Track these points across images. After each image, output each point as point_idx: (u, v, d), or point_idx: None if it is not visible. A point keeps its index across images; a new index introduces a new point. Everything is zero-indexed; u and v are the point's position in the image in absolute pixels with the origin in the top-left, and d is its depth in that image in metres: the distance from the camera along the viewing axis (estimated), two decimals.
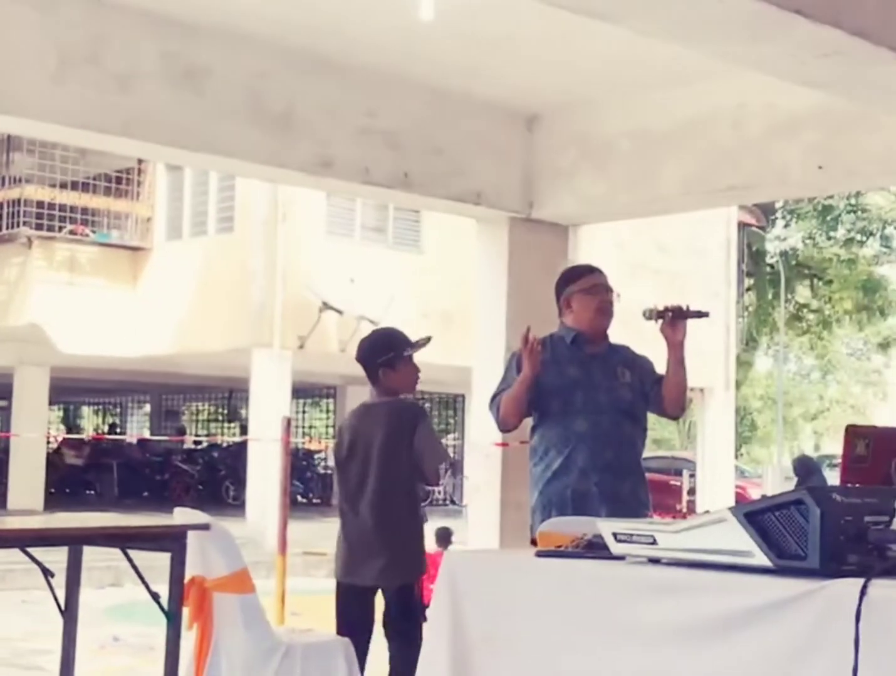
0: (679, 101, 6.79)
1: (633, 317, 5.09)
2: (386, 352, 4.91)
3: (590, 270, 5.04)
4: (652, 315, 4.77)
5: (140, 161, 17.21)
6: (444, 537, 9.83)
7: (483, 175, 7.20)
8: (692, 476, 20.61)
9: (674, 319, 4.75)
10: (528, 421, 5.05)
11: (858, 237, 32.24)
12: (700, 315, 4.81)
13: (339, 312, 16.11)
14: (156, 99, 5.93)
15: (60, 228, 17.01)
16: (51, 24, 5.62)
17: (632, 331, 5.20)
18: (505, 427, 5.07)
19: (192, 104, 6.05)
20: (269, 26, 6.14)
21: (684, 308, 4.79)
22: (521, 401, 4.86)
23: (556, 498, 4.85)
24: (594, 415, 4.84)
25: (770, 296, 32.54)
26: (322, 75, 6.54)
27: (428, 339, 5.12)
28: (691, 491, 20.31)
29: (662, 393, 4.90)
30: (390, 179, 6.83)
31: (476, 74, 6.78)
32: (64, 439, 24.54)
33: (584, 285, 4.95)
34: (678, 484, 19.67)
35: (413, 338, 5.05)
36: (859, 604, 2.45)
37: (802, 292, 34.28)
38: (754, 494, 24.18)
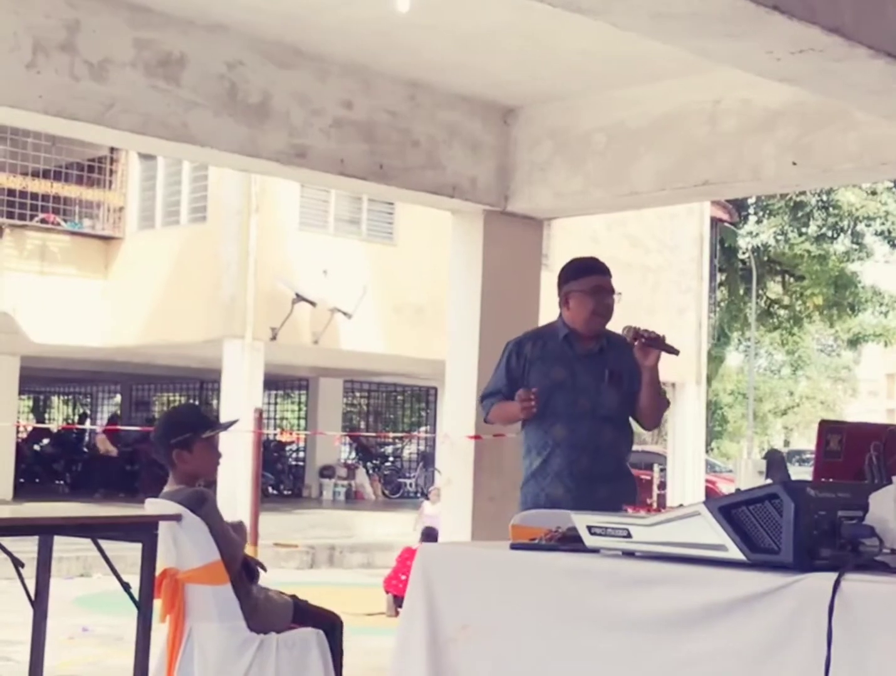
0: (655, 96, 6.80)
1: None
2: (181, 432, 4.51)
3: (593, 269, 4.97)
4: (629, 334, 4.81)
5: (112, 149, 17.12)
6: (431, 536, 9.91)
7: (459, 168, 7.20)
8: (663, 470, 20.70)
9: (646, 345, 4.79)
10: None
11: (830, 233, 32.38)
12: (670, 350, 4.85)
13: (312, 304, 16.07)
14: (130, 87, 5.89)
15: (32, 217, 16.89)
16: (25, 10, 5.58)
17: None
18: (491, 425, 5.30)
19: (166, 93, 6.01)
20: (244, 16, 6.11)
21: (659, 337, 4.81)
22: (508, 422, 5.14)
23: (531, 500, 4.90)
24: (572, 421, 4.86)
25: (741, 292, 32.67)
26: (298, 66, 6.52)
27: (232, 422, 4.86)
28: (662, 485, 20.39)
29: (636, 408, 4.96)
30: (365, 171, 6.82)
31: (452, 67, 6.77)
32: (105, 430, 23.99)
33: (584, 285, 4.90)
34: (649, 478, 19.74)
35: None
36: (832, 599, 2.47)
37: (774, 288, 34.42)
38: (724, 488, 24.26)
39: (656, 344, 4.79)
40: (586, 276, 4.93)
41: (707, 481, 22.04)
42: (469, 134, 7.24)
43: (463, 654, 3.09)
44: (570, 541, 3.09)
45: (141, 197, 17.67)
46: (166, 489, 4.58)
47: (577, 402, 4.86)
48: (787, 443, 46.60)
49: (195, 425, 4.58)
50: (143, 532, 4.20)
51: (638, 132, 6.90)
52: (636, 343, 4.78)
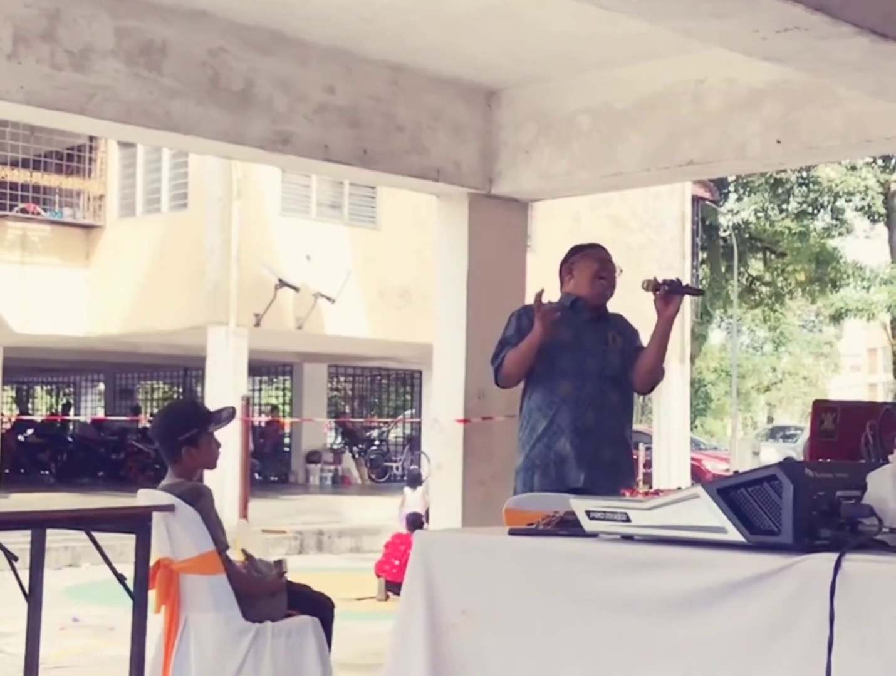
0: (639, 76, 6.78)
1: None
2: (188, 429, 4.52)
3: (595, 246, 5.26)
4: (649, 286, 4.88)
5: (91, 138, 17.02)
6: (416, 523, 9.94)
7: (443, 151, 7.18)
8: (648, 448, 20.73)
9: (669, 293, 4.86)
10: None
11: (810, 210, 32.45)
12: (695, 292, 5.01)
13: (296, 289, 16.04)
14: (112, 76, 5.84)
15: (12, 207, 16.80)
16: (4, 0, 5.53)
17: None
18: (505, 383, 5.15)
19: (149, 81, 5.97)
20: (226, 2, 6.06)
21: (682, 283, 4.94)
22: (526, 359, 4.97)
23: (539, 460, 4.96)
24: (579, 379, 4.96)
25: (723, 270, 32.74)
26: (280, 52, 6.48)
27: (232, 412, 4.78)
28: (647, 464, 20.43)
29: (636, 365, 5.03)
30: (349, 156, 6.79)
31: (435, 50, 6.74)
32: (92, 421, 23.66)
33: (586, 253, 5.17)
34: (634, 456, 19.76)
35: (213, 409, 4.71)
36: (833, 579, 2.47)
37: (755, 265, 34.50)
38: (710, 465, 24.38)
39: (679, 289, 4.89)
40: (590, 250, 5.22)
41: (693, 459, 22.10)
42: (453, 117, 7.22)
43: (463, 640, 3.08)
44: (568, 526, 3.09)
45: (121, 184, 17.58)
46: (165, 482, 4.57)
47: (585, 361, 4.99)
48: (770, 420, 46.75)
49: (200, 420, 4.59)
50: (137, 523, 4.19)
51: (622, 113, 6.89)
52: (657, 293, 4.86)
